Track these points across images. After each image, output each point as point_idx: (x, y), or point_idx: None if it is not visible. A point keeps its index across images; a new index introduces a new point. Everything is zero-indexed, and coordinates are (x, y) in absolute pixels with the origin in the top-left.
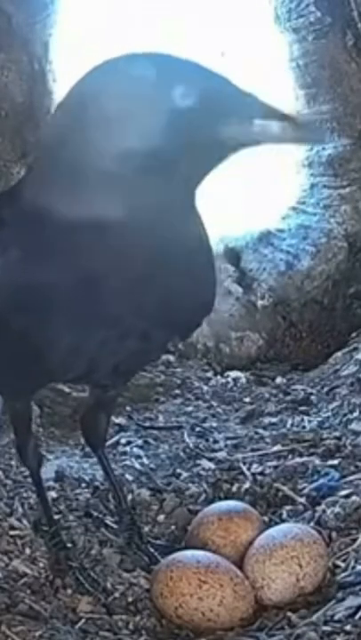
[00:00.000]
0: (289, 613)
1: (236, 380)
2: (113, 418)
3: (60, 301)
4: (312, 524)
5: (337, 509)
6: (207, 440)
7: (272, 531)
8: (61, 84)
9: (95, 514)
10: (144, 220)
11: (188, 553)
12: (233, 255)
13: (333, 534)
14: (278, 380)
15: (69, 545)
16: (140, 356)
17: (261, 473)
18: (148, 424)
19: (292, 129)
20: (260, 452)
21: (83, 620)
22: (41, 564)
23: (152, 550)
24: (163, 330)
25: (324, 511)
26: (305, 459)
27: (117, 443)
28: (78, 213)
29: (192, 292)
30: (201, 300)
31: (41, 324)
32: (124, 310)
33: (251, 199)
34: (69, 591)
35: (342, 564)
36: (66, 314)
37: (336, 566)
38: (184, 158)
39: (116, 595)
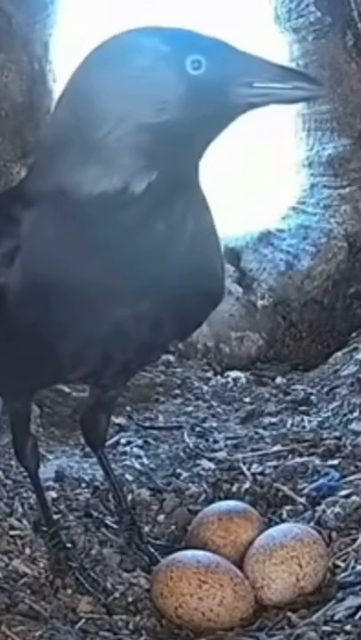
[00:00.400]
0: (289, 613)
1: (236, 380)
2: (113, 418)
3: (74, 286)
4: (312, 524)
5: (337, 509)
6: (207, 440)
7: (272, 531)
8: (61, 83)
9: (95, 514)
10: (159, 194)
11: (189, 553)
12: (233, 255)
13: (333, 534)
14: (278, 380)
15: (69, 545)
16: (148, 351)
17: (261, 473)
18: (148, 424)
19: (298, 86)
20: (260, 452)
21: (83, 620)
22: (41, 564)
23: (152, 550)
24: (172, 321)
25: (324, 511)
26: (305, 459)
27: (117, 443)
28: (90, 190)
29: (200, 276)
30: (209, 286)
31: (56, 312)
32: (137, 289)
33: (251, 199)
34: (69, 591)
35: (342, 564)
36: (81, 297)
37: (336, 566)
38: (197, 126)
39: (116, 595)
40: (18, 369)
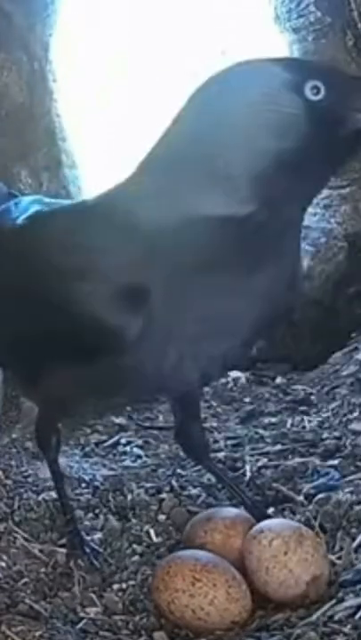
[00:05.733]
0: (289, 613)
1: (236, 380)
2: (113, 418)
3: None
4: (311, 522)
5: (336, 508)
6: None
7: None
8: (61, 83)
9: (96, 512)
10: (268, 229)
11: (190, 551)
12: None
13: (333, 533)
14: (278, 380)
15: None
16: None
17: (261, 473)
18: (148, 424)
19: None
20: (260, 452)
21: (83, 621)
22: (41, 564)
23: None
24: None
25: (322, 509)
26: (305, 459)
27: (117, 443)
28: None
29: (286, 303)
30: (290, 312)
31: (170, 348)
32: (241, 324)
33: None
34: (69, 591)
35: (342, 563)
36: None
37: (335, 565)
38: (316, 156)
39: (116, 594)
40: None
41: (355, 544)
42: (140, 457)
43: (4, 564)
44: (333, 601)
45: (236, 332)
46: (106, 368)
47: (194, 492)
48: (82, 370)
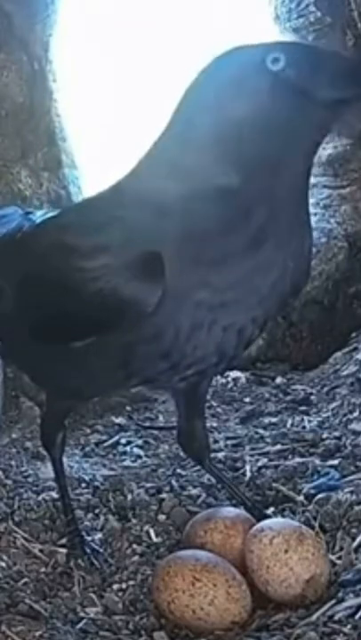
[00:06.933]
0: (289, 613)
1: (236, 380)
2: (113, 418)
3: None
4: (311, 522)
5: (336, 508)
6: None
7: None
8: (61, 83)
9: (96, 512)
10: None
11: (190, 551)
12: None
13: (333, 533)
14: (278, 380)
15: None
16: (244, 345)
17: (261, 473)
18: (148, 424)
19: None
20: (260, 452)
21: (83, 621)
22: (41, 564)
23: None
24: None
25: (322, 509)
26: (305, 459)
27: (117, 443)
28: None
29: (298, 281)
30: (301, 287)
31: (183, 318)
32: (255, 298)
33: None
34: (69, 591)
35: (342, 563)
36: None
37: (335, 565)
38: (287, 125)
39: (116, 594)
40: (115, 372)
41: (355, 544)
42: (140, 457)
43: (4, 564)
44: (333, 601)
45: (251, 304)
46: (123, 344)
47: (194, 491)
48: (100, 348)
